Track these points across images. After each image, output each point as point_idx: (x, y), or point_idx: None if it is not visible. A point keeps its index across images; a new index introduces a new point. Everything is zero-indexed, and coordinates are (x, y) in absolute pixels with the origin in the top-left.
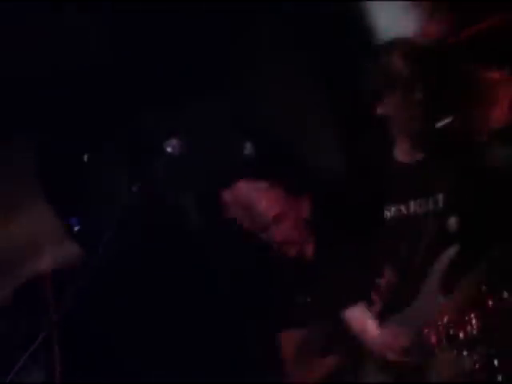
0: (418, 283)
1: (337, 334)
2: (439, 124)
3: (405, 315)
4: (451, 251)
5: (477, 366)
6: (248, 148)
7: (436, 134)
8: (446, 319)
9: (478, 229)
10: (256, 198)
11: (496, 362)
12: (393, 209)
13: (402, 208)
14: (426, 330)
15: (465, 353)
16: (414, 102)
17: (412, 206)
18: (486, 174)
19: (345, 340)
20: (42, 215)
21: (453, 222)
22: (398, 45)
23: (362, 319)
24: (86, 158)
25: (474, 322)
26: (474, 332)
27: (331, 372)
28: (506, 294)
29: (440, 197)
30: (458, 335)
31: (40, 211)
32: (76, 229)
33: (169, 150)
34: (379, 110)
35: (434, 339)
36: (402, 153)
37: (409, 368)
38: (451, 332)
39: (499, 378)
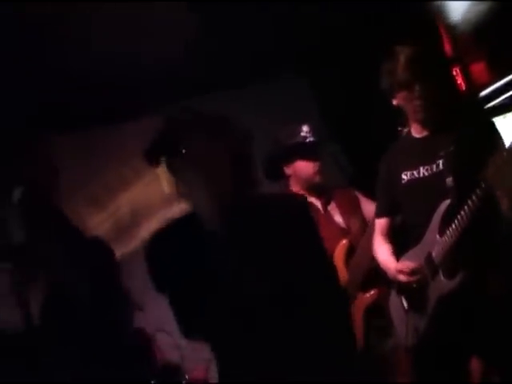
0: (425, 227)
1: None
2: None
3: (414, 251)
4: (446, 203)
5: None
6: None
7: (436, 117)
8: (439, 253)
9: (467, 186)
10: None
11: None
12: (408, 173)
13: (415, 172)
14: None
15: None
16: (415, 97)
17: (421, 170)
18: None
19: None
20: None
21: (449, 180)
22: (403, 51)
23: (385, 254)
24: None
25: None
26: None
27: (373, 303)
28: None
29: (441, 162)
30: (447, 264)
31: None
32: None
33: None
34: (395, 102)
35: (430, 268)
36: (414, 131)
37: (415, 288)
38: (442, 262)
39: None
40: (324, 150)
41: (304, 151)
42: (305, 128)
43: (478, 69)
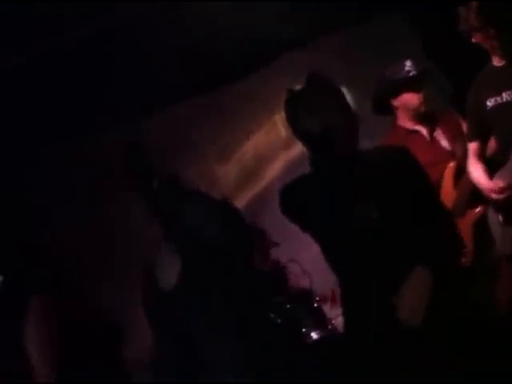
0: (510, 149)
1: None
2: None
3: (503, 170)
4: None
5: None
6: None
7: None
8: None
9: None
10: None
11: None
12: (492, 99)
13: (498, 98)
14: None
15: None
16: (491, 37)
17: (504, 95)
18: None
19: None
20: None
21: None
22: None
23: (478, 173)
24: None
25: None
26: None
27: (480, 219)
28: None
29: None
30: None
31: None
32: None
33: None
34: (473, 40)
35: None
36: (495, 60)
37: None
38: None
39: None
40: (427, 79)
41: (409, 84)
42: (407, 63)
43: None
